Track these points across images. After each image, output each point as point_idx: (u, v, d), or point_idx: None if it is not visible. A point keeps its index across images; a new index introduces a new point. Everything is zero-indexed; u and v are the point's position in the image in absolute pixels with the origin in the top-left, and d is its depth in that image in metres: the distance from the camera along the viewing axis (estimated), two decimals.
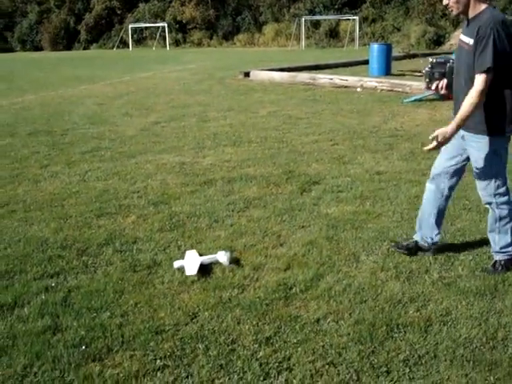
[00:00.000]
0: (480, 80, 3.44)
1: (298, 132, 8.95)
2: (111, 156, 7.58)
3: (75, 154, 7.75)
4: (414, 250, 4.15)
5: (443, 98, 12.32)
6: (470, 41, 3.50)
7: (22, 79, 21.21)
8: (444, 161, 3.98)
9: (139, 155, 7.56)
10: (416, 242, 4.18)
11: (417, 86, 13.62)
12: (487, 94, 3.48)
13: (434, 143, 3.62)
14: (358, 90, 14.20)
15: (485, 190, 3.83)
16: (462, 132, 3.72)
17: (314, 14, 45.40)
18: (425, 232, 4.13)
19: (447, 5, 3.59)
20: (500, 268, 3.86)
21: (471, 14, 3.55)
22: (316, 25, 45.74)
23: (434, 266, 3.98)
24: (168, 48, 48.72)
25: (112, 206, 5.45)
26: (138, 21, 52.73)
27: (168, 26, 49.92)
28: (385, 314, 3.30)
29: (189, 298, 3.56)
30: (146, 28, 52.51)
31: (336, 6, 46.21)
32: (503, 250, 3.88)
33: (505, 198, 3.79)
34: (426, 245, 4.14)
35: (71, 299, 3.60)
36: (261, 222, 4.87)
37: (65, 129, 9.78)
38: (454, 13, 3.61)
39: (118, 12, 55.54)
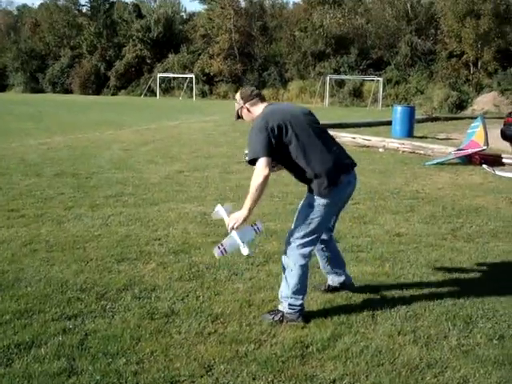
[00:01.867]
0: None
1: None
2: (134, 202, 7.69)
3: (99, 198, 7.87)
4: (329, 290, 4.61)
5: (465, 161, 12.40)
6: None
7: (51, 120, 21.74)
8: None
9: (162, 203, 7.66)
10: (329, 284, 4.63)
11: (439, 149, 13.72)
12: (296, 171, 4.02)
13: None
14: (381, 150, 14.31)
15: (290, 232, 4.18)
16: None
17: (338, 74, 46.13)
18: (330, 277, 4.61)
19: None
20: (277, 318, 4.03)
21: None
22: (340, 84, 46.40)
23: (452, 331, 3.95)
24: (194, 99, 49.62)
25: (133, 252, 5.51)
26: (166, 71, 53.96)
27: (195, 78, 50.99)
28: (401, 379, 3.27)
29: (205, 350, 3.56)
30: (174, 78, 53.67)
31: (361, 67, 46.99)
32: (284, 299, 4.09)
33: (298, 251, 4.06)
34: (338, 285, 4.59)
35: (88, 343, 3.62)
36: (280, 278, 4.88)
37: (90, 172, 9.96)
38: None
39: (148, 61, 56.98)
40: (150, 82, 54.16)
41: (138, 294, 4.45)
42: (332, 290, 4.61)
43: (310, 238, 4.07)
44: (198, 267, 5.11)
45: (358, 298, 4.51)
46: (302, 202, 4.22)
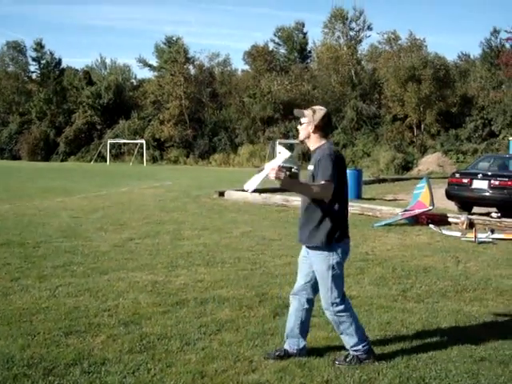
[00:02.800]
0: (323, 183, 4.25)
1: (271, 254, 9.05)
2: (83, 272, 7.54)
3: (47, 268, 7.68)
4: (284, 356, 4.57)
5: (413, 221, 12.69)
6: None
7: None
8: (300, 278, 4.66)
9: (112, 272, 7.53)
10: (285, 349, 4.61)
11: (387, 210, 14.02)
12: (317, 208, 4.37)
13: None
14: None
15: (323, 298, 4.49)
16: (306, 249, 4.56)
17: (287, 138, 47.08)
18: (291, 341, 4.62)
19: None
20: (353, 361, 4.45)
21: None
22: (290, 148, 47.26)
23: None
24: (145, 164, 49.66)
25: (81, 324, 5.37)
26: (117, 136, 54.02)
27: (146, 143, 51.18)
28: None
29: None
30: (125, 144, 53.73)
31: None
32: (353, 349, 4.49)
33: (340, 307, 4.44)
34: (295, 351, 4.59)
35: None
36: (233, 346, 4.83)
37: (38, 241, 9.74)
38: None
39: (98, 127, 57.03)
40: (100, 148, 54.03)
41: (87, 369, 4.31)
42: (287, 356, 4.58)
43: (338, 292, 4.46)
44: (149, 338, 5.01)
45: (313, 364, 4.49)
46: (306, 262, 4.61)
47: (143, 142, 51.14)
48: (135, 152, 52.20)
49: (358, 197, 17.94)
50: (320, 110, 4.51)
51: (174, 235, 10.66)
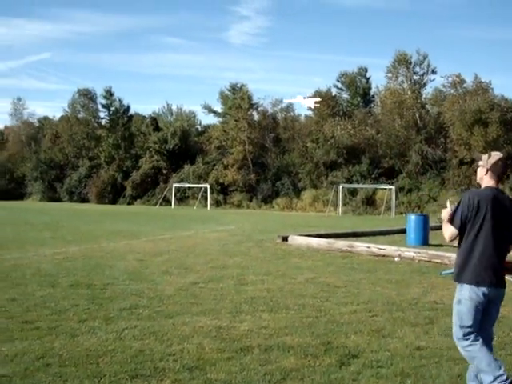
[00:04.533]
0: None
1: (336, 301, 8.89)
2: (149, 315, 7.60)
3: (113, 310, 7.80)
4: None
5: None
6: None
7: (67, 229, 22.00)
8: None
9: (176, 316, 7.56)
10: None
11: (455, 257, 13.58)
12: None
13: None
14: (396, 259, 14.23)
15: (453, 332, 4.67)
16: None
17: (351, 183, 46.85)
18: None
19: None
20: None
21: None
22: (353, 192, 47.01)
23: None
24: (209, 208, 50.27)
25: (147, 368, 5.38)
26: (182, 181, 55.10)
27: (210, 187, 51.92)
28: None
29: None
30: (189, 188, 54.70)
31: (373, 176, 47.78)
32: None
33: (466, 342, 4.55)
34: None
35: None
36: None
37: (105, 283, 9.93)
38: None
39: (164, 172, 58.39)
40: (165, 192, 55.15)
41: None
42: None
43: (467, 330, 4.56)
44: None
45: None
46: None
47: (207, 186, 51.93)
48: (199, 196, 53.01)
49: (425, 243, 17.53)
50: (495, 156, 4.70)
51: (237, 280, 10.65)
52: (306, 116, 60.41)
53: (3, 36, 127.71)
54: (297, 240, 17.40)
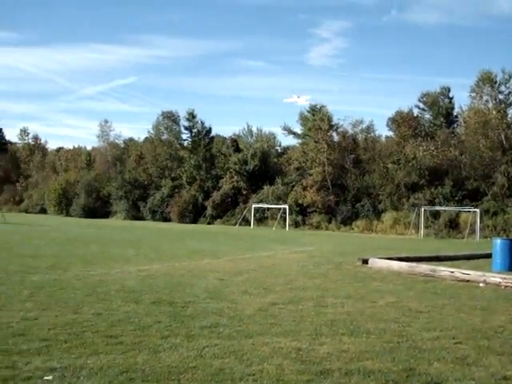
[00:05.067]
0: None
1: (419, 326, 8.66)
2: (229, 334, 7.68)
3: (195, 328, 7.93)
4: None
5: None
6: None
7: (150, 247, 22.59)
8: None
9: (256, 336, 7.60)
10: None
11: None
12: None
13: None
14: (481, 285, 13.73)
15: None
16: None
17: (433, 205, 45.66)
18: None
19: None
20: None
21: None
22: (435, 215, 45.76)
23: None
24: (287, 229, 50.27)
25: None
26: (261, 201, 55.46)
27: (289, 208, 51.97)
28: None
29: None
30: (268, 209, 54.95)
31: (456, 198, 46.39)
32: None
33: None
34: None
35: None
36: None
37: (186, 301, 10.12)
38: None
39: (244, 192, 58.97)
40: (244, 212, 55.64)
41: None
42: None
43: None
44: None
45: None
46: None
47: (286, 207, 52.01)
48: (278, 217, 53.14)
49: (511, 269, 16.82)
50: None
51: (317, 302, 10.58)
52: (386, 137, 59.66)
53: (93, 61, 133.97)
54: (377, 263, 17.11)
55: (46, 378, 5.64)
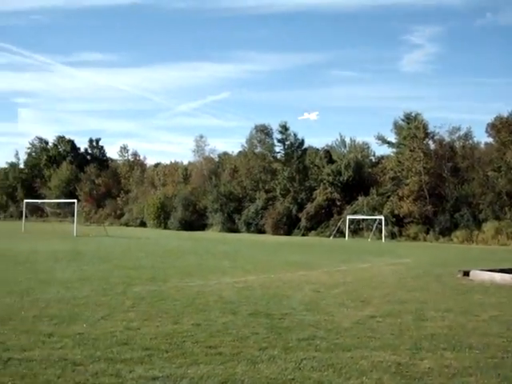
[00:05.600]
0: None
1: None
2: (327, 347, 7.63)
3: (292, 340, 7.94)
4: None
5: None
6: None
7: (245, 259, 22.86)
8: None
9: (354, 349, 7.51)
10: None
11: None
12: None
13: None
14: None
15: None
16: None
17: None
18: None
19: None
20: None
21: None
22: None
23: None
24: (383, 240, 49.38)
25: None
26: (355, 212, 54.85)
27: (384, 219, 51.05)
28: None
29: None
30: (363, 220, 54.24)
31: None
32: None
33: None
34: None
35: None
36: None
37: (283, 313, 10.15)
38: None
39: (338, 203, 58.57)
40: (339, 224, 55.21)
41: None
42: None
43: None
44: None
45: None
46: None
47: (382, 217, 51.13)
48: (374, 228, 52.33)
49: None
50: None
51: (416, 315, 10.31)
52: (486, 144, 57.44)
53: (187, 79, 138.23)
54: (479, 275, 16.46)
55: None
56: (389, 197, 54.41)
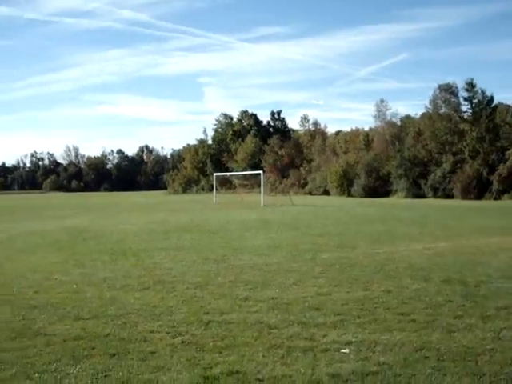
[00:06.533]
0: None
1: None
2: None
3: (490, 309, 7.58)
4: None
5: None
6: None
7: (434, 225, 22.13)
8: None
9: None
10: None
11: None
12: None
13: None
14: None
15: None
16: None
17: None
18: None
19: None
20: None
21: None
22: None
23: None
24: None
25: None
26: None
27: None
28: None
29: None
30: None
31: None
32: None
33: None
34: None
35: None
36: None
37: (478, 280, 9.71)
38: None
39: None
40: None
41: None
42: None
43: None
44: None
45: None
46: None
47: None
48: None
49: None
50: None
51: None
52: None
53: (363, 43, 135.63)
54: None
55: (342, 350, 5.93)
56: None
